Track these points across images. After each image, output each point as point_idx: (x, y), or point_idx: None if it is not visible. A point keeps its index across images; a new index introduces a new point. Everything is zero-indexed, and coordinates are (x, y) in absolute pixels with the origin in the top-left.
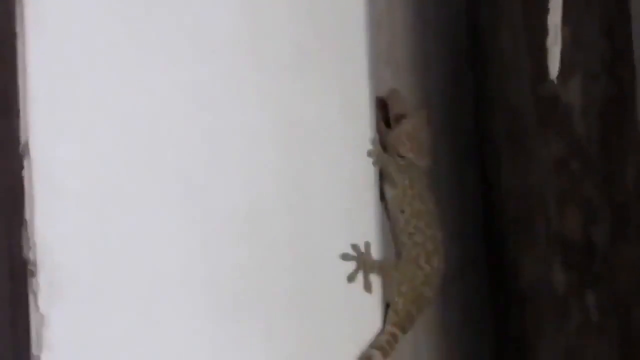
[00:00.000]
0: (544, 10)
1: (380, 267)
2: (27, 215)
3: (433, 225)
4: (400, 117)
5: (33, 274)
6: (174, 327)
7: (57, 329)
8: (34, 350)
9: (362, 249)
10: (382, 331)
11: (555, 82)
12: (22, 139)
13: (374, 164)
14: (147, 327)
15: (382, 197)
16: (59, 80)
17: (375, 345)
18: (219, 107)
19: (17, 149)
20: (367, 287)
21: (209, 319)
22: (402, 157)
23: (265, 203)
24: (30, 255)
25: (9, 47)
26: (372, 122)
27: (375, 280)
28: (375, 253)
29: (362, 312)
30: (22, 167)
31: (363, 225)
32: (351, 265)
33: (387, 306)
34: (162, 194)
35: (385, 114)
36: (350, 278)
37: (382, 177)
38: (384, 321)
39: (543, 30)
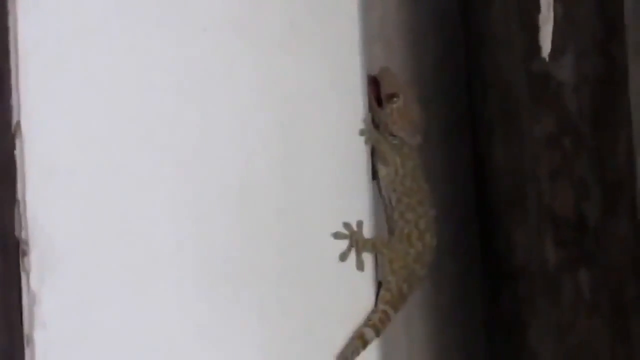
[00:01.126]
0: None
1: (373, 246)
2: (20, 195)
3: (425, 203)
4: (391, 96)
5: (25, 253)
6: (166, 304)
7: (49, 307)
8: (26, 328)
9: (355, 228)
10: (374, 309)
11: (547, 59)
12: (14, 119)
13: (366, 142)
14: (138, 306)
15: (375, 175)
16: (51, 61)
17: (367, 323)
18: (210, 84)
19: (9, 129)
20: (359, 265)
21: (201, 296)
22: (393, 135)
23: (257, 181)
24: (23, 235)
25: (0, 27)
26: (365, 100)
27: (368, 258)
28: (367, 231)
29: (355, 291)
30: (14, 147)
31: (355, 203)
32: (343, 244)
33: (379, 284)
34: (154, 171)
35: (377, 92)
36: (343, 256)
37: (374, 155)
38: (377, 299)
39: (535, 8)
